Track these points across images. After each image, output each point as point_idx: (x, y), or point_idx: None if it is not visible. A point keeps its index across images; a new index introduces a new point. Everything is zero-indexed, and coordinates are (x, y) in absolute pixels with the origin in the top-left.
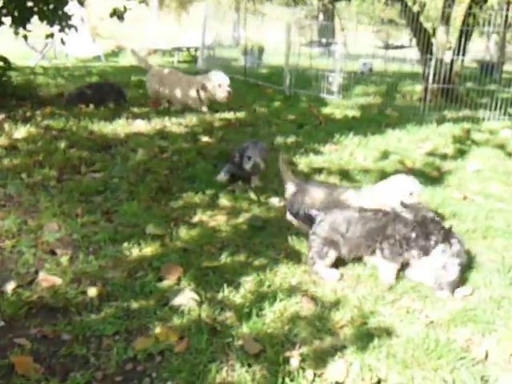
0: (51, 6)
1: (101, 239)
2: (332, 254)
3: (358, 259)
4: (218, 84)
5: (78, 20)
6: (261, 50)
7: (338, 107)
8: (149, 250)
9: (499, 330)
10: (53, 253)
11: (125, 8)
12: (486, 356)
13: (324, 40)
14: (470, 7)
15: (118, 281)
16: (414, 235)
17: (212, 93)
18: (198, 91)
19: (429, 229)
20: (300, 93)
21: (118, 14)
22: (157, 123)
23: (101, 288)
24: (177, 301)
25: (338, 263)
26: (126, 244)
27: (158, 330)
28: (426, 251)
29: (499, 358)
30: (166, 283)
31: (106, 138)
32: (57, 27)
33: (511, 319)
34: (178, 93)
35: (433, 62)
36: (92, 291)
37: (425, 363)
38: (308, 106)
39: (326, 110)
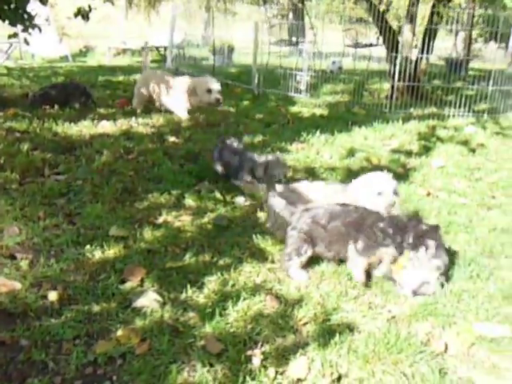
0: (12, 6)
1: (63, 242)
2: (309, 252)
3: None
4: (208, 89)
5: (43, 20)
6: (230, 49)
7: (305, 106)
8: (112, 252)
9: (459, 322)
10: (13, 257)
11: (90, 7)
12: (446, 349)
13: (294, 39)
14: (434, 6)
15: (80, 284)
16: (391, 230)
17: (201, 98)
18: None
19: (407, 227)
20: (268, 92)
21: (82, 14)
22: (123, 124)
23: (62, 292)
24: (139, 302)
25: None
26: (88, 246)
27: (119, 332)
28: (400, 250)
29: (458, 351)
30: (128, 285)
31: (70, 140)
32: (20, 27)
33: (470, 312)
34: (167, 96)
35: (399, 60)
36: (52, 295)
37: (385, 358)
38: (276, 105)
39: (294, 109)
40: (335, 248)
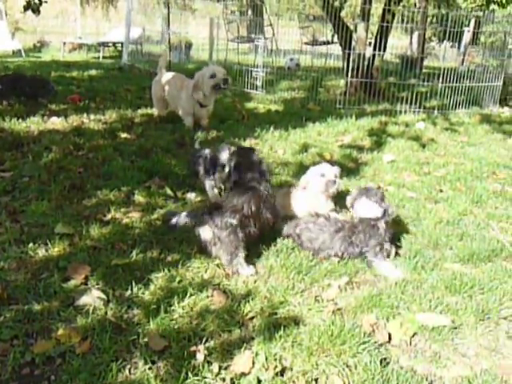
0: None
1: (5, 241)
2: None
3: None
4: (211, 75)
5: None
6: (188, 46)
7: (261, 102)
8: (56, 249)
9: (402, 313)
10: None
11: (40, 0)
12: (389, 339)
13: (252, 36)
14: (388, 4)
15: (21, 283)
16: None
17: (206, 86)
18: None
19: None
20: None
21: (32, 7)
22: (74, 120)
23: (1, 291)
24: (82, 300)
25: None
26: (31, 245)
27: (60, 331)
28: None
29: (401, 341)
30: (72, 283)
31: (18, 136)
32: None
33: (414, 302)
34: (179, 99)
35: (352, 57)
36: None
37: (329, 349)
38: (232, 101)
39: (250, 105)
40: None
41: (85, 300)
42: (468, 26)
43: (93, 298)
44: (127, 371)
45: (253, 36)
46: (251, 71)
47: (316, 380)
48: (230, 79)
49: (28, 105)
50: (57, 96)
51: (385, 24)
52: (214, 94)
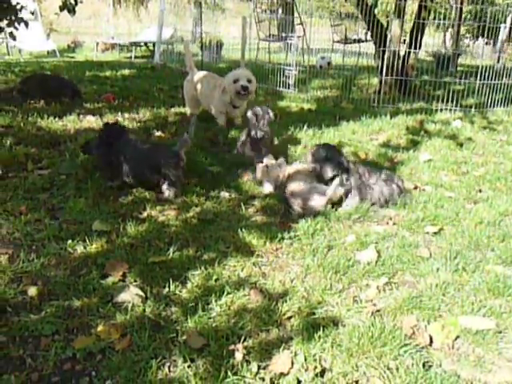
0: None
1: (44, 237)
2: None
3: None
4: (234, 79)
5: (29, 14)
6: (219, 45)
7: (294, 100)
8: (94, 246)
9: (444, 315)
10: None
11: (76, 0)
12: (431, 342)
13: (284, 34)
14: (423, 0)
15: (61, 279)
16: None
17: (229, 91)
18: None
19: None
20: (257, 87)
21: (68, 8)
22: (109, 119)
23: (42, 287)
24: (121, 297)
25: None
26: (70, 241)
27: (99, 327)
28: None
29: (443, 344)
30: (110, 280)
31: (55, 135)
32: (5, 21)
33: (456, 305)
34: (211, 99)
35: (387, 55)
36: (32, 290)
37: (369, 351)
38: (264, 100)
39: (283, 104)
40: None
41: (123, 297)
42: (505, 22)
43: (131, 294)
44: (167, 369)
45: (284, 34)
46: (283, 70)
47: (357, 382)
48: (252, 86)
49: (64, 104)
50: (80, 96)
51: (420, 21)
52: (239, 99)
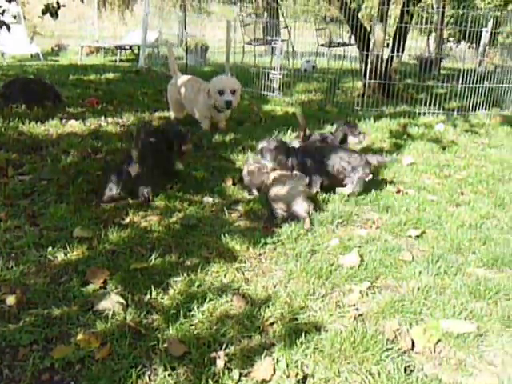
0: None
1: (24, 244)
2: None
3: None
4: (220, 90)
5: (11, 18)
6: (204, 48)
7: (278, 104)
8: (75, 253)
9: (425, 319)
10: None
11: (58, 4)
12: (412, 346)
13: (269, 38)
14: (405, 5)
15: (40, 287)
16: None
17: (214, 101)
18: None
19: None
20: (242, 90)
21: (51, 11)
22: (92, 123)
23: (20, 295)
24: (101, 305)
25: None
26: (50, 248)
27: (79, 336)
28: None
29: (425, 348)
30: (91, 287)
31: (36, 139)
32: None
33: (437, 308)
34: (195, 103)
35: (370, 59)
36: (11, 299)
37: (351, 356)
38: (249, 104)
39: (267, 107)
40: None
41: (104, 305)
42: (486, 26)
43: (112, 302)
44: (147, 378)
45: (269, 38)
46: (268, 73)
47: None
48: (236, 97)
49: (46, 108)
50: (60, 100)
51: (403, 25)
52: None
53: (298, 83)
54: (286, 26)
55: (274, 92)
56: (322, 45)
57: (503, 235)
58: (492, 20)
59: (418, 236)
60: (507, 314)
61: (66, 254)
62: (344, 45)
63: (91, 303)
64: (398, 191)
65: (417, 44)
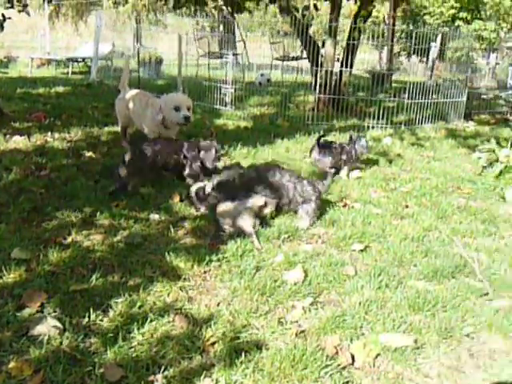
0: None
1: None
2: None
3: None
4: (175, 107)
5: None
6: (159, 61)
7: (230, 118)
8: (11, 276)
9: (366, 333)
10: None
11: (3, 16)
12: (353, 361)
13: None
14: (354, 22)
15: None
16: None
17: (168, 117)
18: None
19: None
20: (195, 104)
21: None
22: (38, 139)
23: None
24: (37, 330)
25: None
26: None
27: (11, 364)
28: None
29: (364, 362)
30: (26, 312)
31: None
32: None
33: (378, 322)
34: (144, 117)
35: (320, 74)
36: None
37: (291, 374)
38: (201, 118)
39: (219, 121)
40: None
41: (39, 329)
42: (435, 41)
43: (48, 326)
44: None
45: (223, 52)
46: (220, 88)
47: None
48: (191, 113)
49: None
50: (4, 114)
51: (351, 42)
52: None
53: (252, 97)
54: (243, 40)
55: (226, 106)
56: (277, 58)
57: (444, 247)
58: (440, 35)
59: (361, 250)
60: (444, 325)
61: (1, 277)
62: (298, 58)
63: (26, 328)
64: (345, 205)
65: (370, 57)
